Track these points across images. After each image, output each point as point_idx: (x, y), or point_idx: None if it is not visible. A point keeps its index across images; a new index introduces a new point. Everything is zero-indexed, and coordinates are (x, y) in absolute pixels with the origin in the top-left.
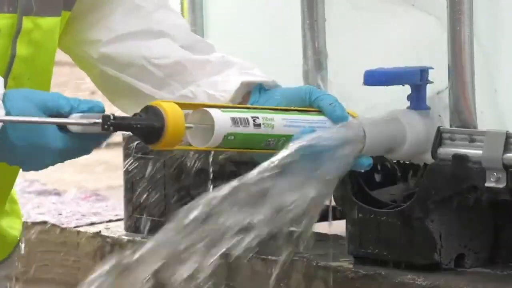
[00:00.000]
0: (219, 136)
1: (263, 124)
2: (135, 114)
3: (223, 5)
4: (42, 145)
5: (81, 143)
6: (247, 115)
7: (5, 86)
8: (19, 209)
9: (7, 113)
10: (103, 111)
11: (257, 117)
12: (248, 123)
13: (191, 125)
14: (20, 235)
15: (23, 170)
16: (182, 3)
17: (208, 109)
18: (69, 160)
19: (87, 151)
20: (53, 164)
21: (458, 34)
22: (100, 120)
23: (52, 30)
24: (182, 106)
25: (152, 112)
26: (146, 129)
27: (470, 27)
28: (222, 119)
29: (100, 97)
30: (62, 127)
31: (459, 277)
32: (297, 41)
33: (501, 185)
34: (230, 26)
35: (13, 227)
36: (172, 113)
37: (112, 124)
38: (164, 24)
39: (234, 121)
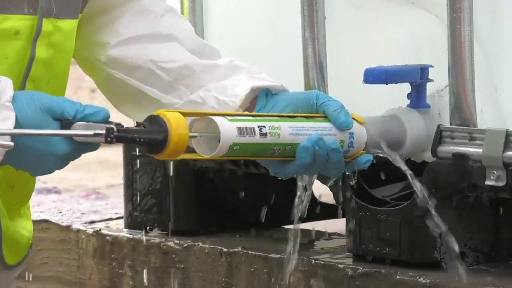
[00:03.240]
0: (225, 146)
1: (269, 133)
2: (138, 124)
3: (223, 5)
4: (48, 151)
5: (84, 147)
6: (254, 124)
7: (24, 88)
8: (29, 210)
9: (16, 119)
10: (108, 117)
11: (264, 126)
12: (254, 133)
13: (196, 134)
14: (32, 237)
15: (31, 175)
16: (182, 3)
17: (214, 118)
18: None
19: (88, 151)
20: (58, 169)
21: (458, 33)
22: (103, 132)
23: (70, 32)
24: (187, 115)
25: (155, 123)
26: (149, 142)
27: (470, 25)
28: (228, 129)
29: (99, 95)
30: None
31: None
32: (297, 41)
33: (501, 183)
34: (230, 26)
35: (26, 229)
36: (175, 124)
37: (115, 137)
38: (172, 28)
39: (240, 131)
